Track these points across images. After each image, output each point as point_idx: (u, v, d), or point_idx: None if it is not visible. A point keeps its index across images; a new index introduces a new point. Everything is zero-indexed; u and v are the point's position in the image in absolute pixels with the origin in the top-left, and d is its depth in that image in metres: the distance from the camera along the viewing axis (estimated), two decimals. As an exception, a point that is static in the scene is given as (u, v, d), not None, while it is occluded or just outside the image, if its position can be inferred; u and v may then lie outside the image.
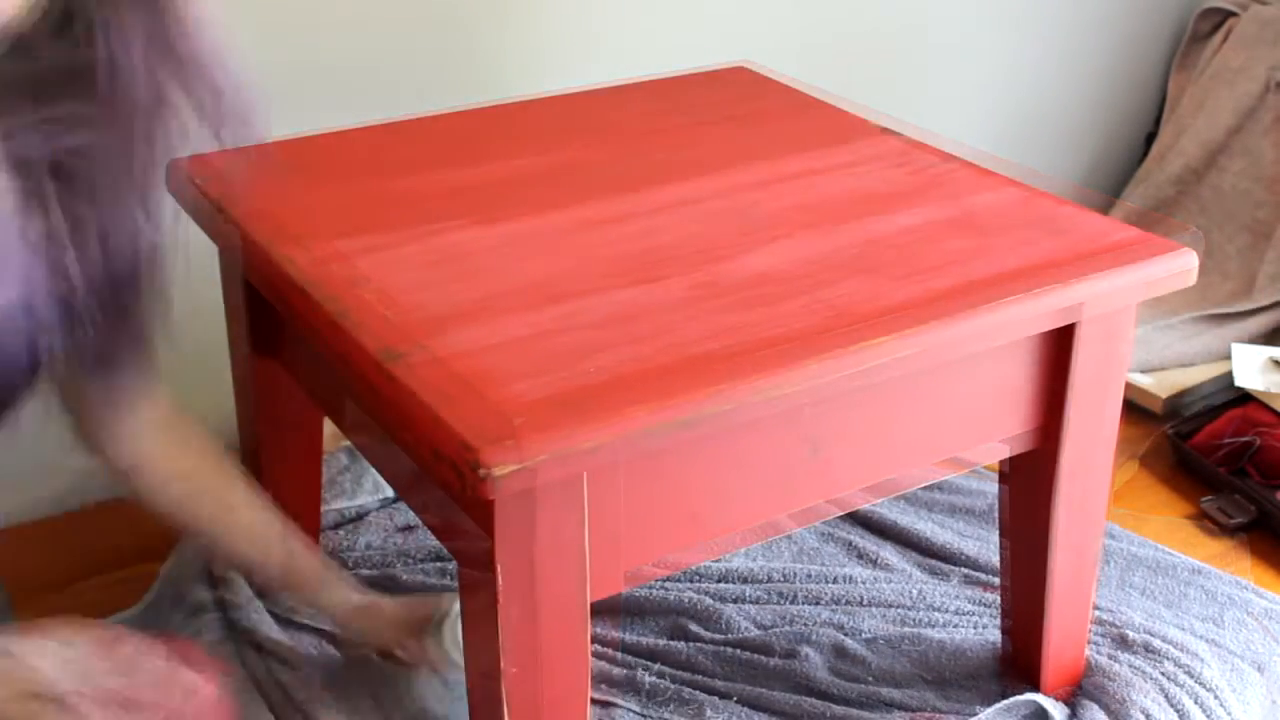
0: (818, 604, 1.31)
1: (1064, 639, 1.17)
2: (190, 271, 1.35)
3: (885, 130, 1.27)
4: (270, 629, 1.23)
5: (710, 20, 1.76)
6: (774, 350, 0.87)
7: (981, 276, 0.97)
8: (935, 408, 1.00)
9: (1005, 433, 1.05)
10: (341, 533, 1.40)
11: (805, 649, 1.23)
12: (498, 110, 1.32)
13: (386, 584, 1.32)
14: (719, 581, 1.34)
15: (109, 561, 1.41)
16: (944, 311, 0.92)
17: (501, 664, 0.86)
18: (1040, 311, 0.96)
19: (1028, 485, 1.10)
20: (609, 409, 0.81)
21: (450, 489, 0.79)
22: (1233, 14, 2.13)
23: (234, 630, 1.24)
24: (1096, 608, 1.32)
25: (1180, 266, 1.02)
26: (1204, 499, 1.56)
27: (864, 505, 1.08)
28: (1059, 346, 1.03)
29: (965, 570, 1.38)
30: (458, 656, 1.07)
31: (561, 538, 0.85)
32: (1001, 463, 1.12)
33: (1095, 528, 1.12)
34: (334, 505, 1.41)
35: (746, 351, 0.87)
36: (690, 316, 0.92)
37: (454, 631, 1.09)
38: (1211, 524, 1.53)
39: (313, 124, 1.27)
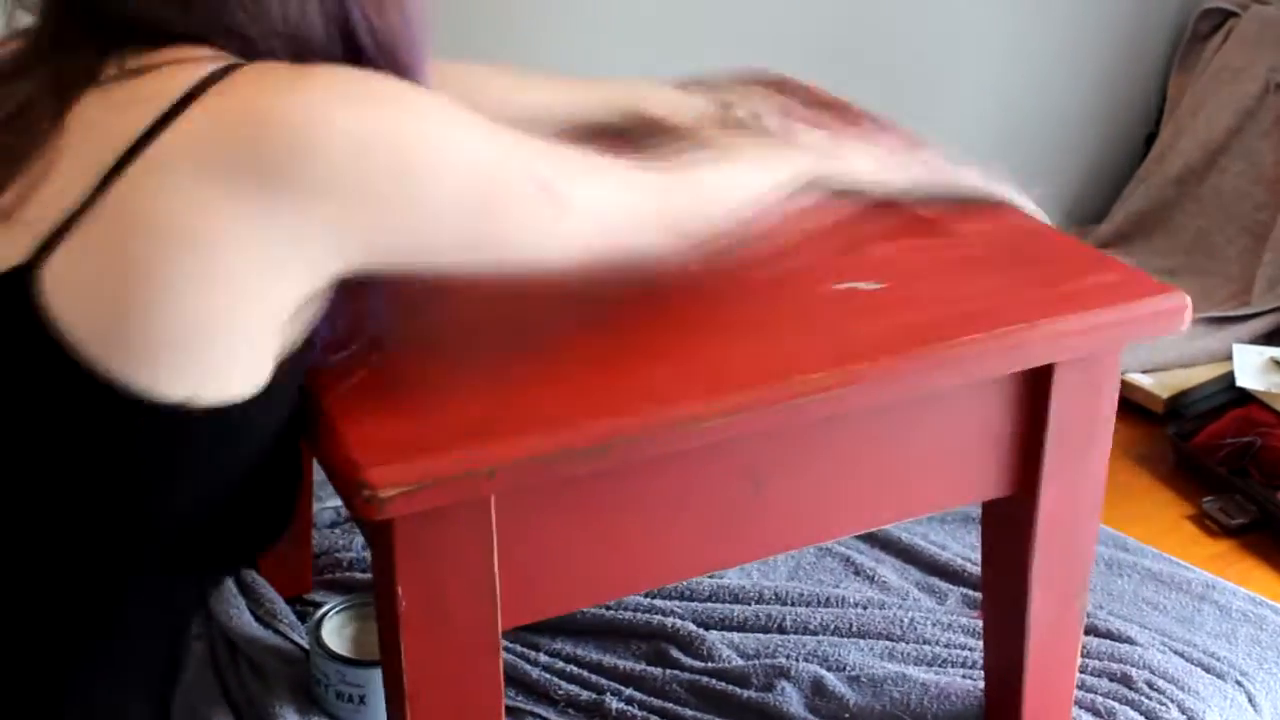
0: (804, 632, 1.27)
1: (1045, 701, 1.11)
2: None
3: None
4: (247, 628, 1.23)
5: (736, 32, 1.75)
6: (700, 382, 0.84)
7: (945, 315, 0.93)
8: (898, 444, 0.96)
9: (979, 475, 1.00)
10: (338, 532, 1.40)
11: (783, 683, 1.19)
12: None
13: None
14: (708, 600, 1.31)
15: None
16: (892, 349, 0.88)
17: (406, 686, 0.84)
18: (1000, 353, 0.91)
19: (1005, 532, 1.05)
20: (512, 433, 0.78)
21: (348, 507, 0.78)
22: (1233, 14, 2.08)
23: (212, 626, 1.25)
24: (1099, 634, 1.27)
25: (1168, 308, 0.96)
26: (1205, 499, 1.53)
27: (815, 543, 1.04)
28: (1037, 389, 0.98)
29: (964, 590, 1.34)
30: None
31: (468, 563, 0.82)
32: (983, 506, 1.07)
33: (1079, 581, 1.06)
34: (329, 504, 1.41)
35: (671, 381, 0.84)
36: (629, 342, 0.89)
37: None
38: (1213, 524, 1.51)
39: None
